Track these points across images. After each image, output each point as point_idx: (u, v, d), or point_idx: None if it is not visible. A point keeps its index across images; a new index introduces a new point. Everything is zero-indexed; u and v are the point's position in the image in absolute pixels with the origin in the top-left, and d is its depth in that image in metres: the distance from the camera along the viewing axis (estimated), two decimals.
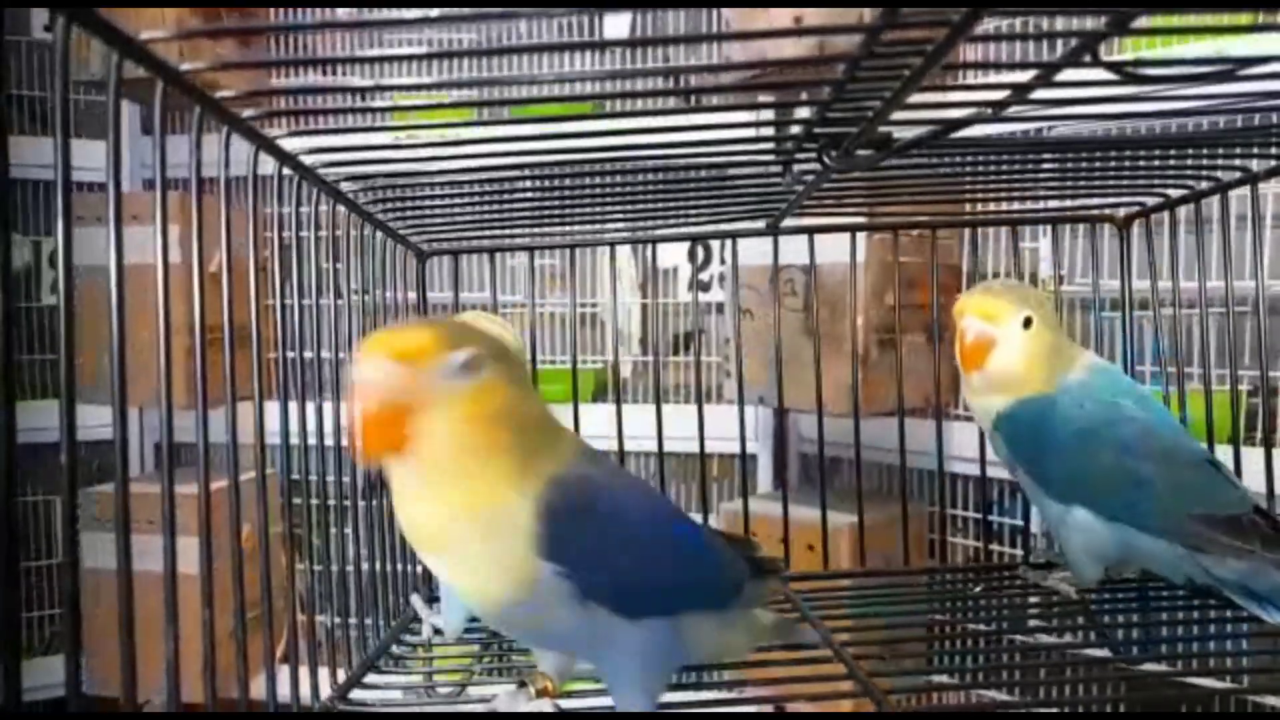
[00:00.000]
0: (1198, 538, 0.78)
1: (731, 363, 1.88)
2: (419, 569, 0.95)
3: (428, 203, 0.86)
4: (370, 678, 0.75)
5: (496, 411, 0.52)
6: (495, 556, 0.54)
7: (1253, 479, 0.88)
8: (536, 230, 1.02)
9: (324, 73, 2.18)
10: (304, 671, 0.71)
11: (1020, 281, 0.84)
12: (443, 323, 0.56)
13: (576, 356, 1.07)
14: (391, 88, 0.58)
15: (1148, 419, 0.82)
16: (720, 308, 2.15)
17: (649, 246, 0.97)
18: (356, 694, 0.73)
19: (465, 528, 0.53)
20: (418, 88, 0.67)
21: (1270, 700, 1.16)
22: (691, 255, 2.11)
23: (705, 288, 2.15)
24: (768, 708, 1.45)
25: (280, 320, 0.73)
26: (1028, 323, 0.82)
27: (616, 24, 2.13)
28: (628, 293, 2.18)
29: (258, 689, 0.62)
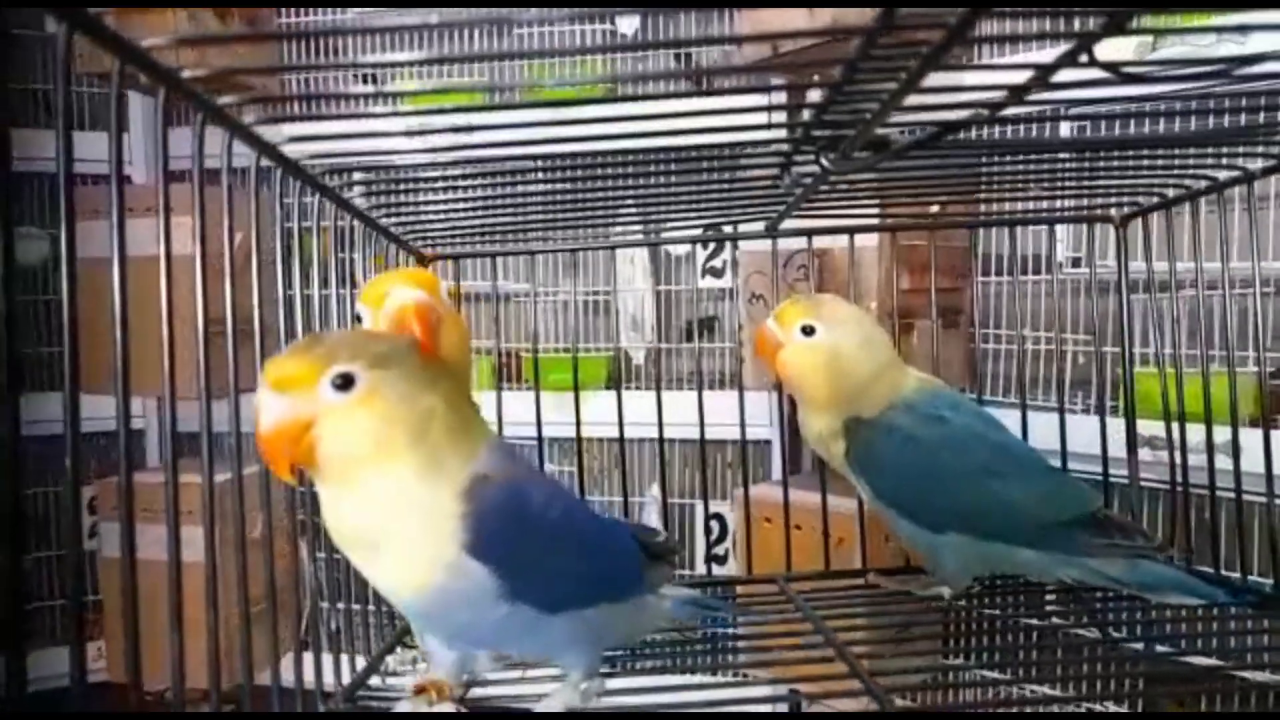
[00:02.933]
0: (1073, 543, 0.79)
1: (745, 349, 1.88)
2: None
3: (428, 206, 0.86)
4: (374, 680, 0.76)
5: (384, 415, 0.55)
6: (424, 551, 0.57)
7: (1252, 461, 0.88)
8: (537, 232, 1.02)
9: (323, 70, 2.17)
10: (308, 663, 0.71)
11: (841, 300, 0.86)
12: (319, 343, 0.56)
13: (578, 345, 1.08)
14: (399, 93, 0.58)
15: (997, 435, 0.84)
16: (733, 294, 2.13)
17: (630, 219, 0.97)
18: (362, 695, 0.73)
19: (393, 526, 0.56)
20: (421, 93, 0.68)
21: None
22: (703, 242, 2.10)
23: (718, 274, 2.14)
24: (782, 707, 1.44)
25: (288, 313, 0.73)
26: (808, 330, 0.82)
27: (628, 22, 2.13)
28: (641, 279, 2.18)
29: (265, 676, 0.63)
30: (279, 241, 0.73)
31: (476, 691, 0.75)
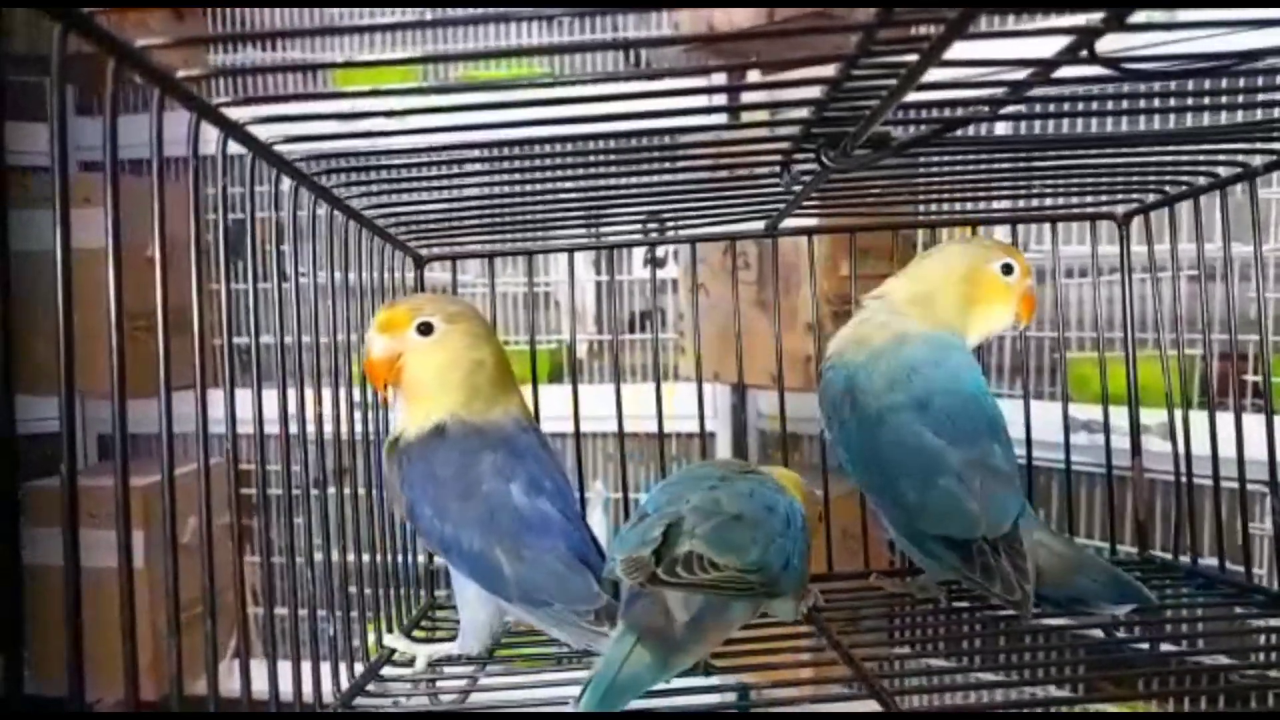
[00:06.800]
0: (946, 565, 0.76)
1: (688, 339, 1.87)
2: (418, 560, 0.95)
3: (425, 206, 0.86)
4: (373, 685, 0.75)
5: (450, 356, 0.75)
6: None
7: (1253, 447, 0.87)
8: (534, 232, 1.01)
9: (270, 47, 2.13)
10: (307, 670, 0.71)
11: None
12: (411, 299, 0.80)
13: (535, 337, 1.05)
14: (388, 92, 0.57)
15: (916, 419, 0.78)
16: (676, 285, 2.12)
17: (601, 218, 0.96)
18: (360, 700, 0.72)
19: None
20: (398, 93, 0.67)
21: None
22: (645, 229, 2.07)
23: (661, 264, 2.10)
24: (730, 696, 1.43)
25: (280, 306, 0.72)
26: None
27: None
28: (582, 270, 2.15)
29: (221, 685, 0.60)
30: (272, 235, 0.72)
31: (477, 698, 0.75)
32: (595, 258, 2.12)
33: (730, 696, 0.70)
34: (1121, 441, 0.99)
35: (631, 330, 2.22)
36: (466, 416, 0.75)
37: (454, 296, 0.94)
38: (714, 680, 0.73)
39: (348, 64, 1.57)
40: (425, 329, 0.75)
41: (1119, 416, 0.99)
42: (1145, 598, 0.76)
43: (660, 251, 2.09)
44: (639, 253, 2.12)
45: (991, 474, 0.76)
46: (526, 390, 0.85)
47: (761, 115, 0.69)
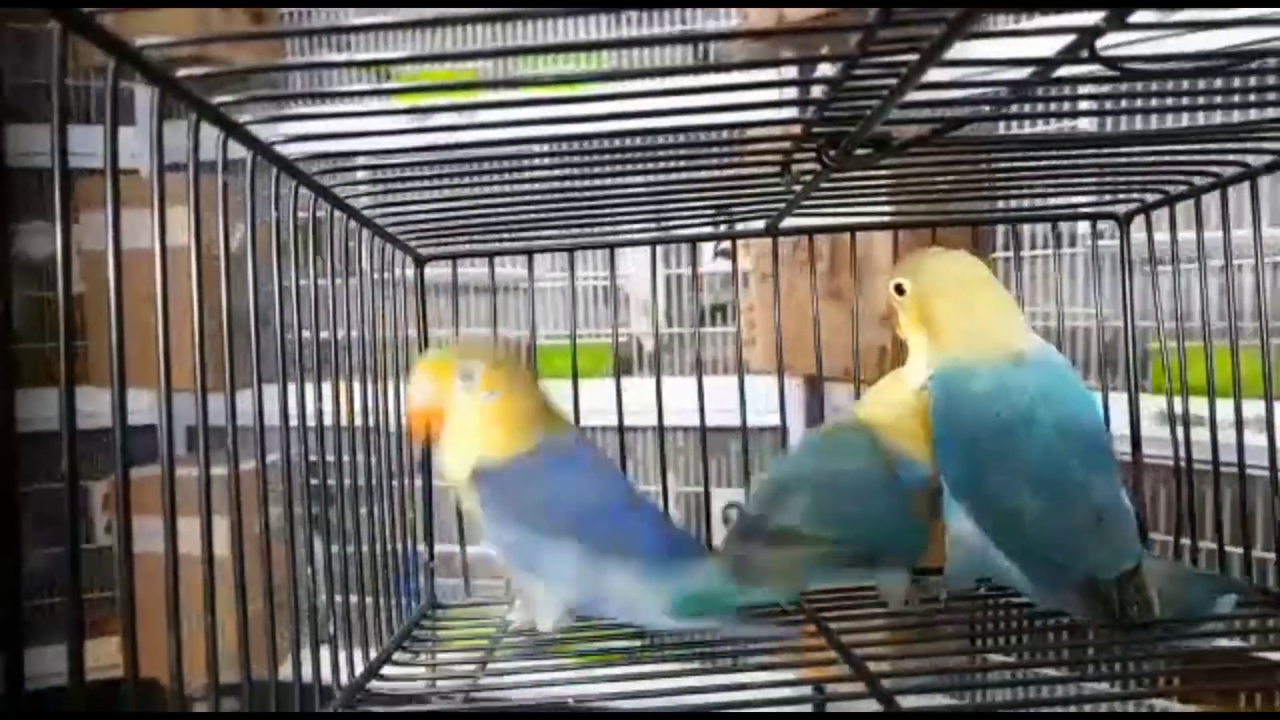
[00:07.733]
0: (1048, 592, 0.75)
1: (758, 330, 1.86)
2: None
3: (424, 203, 0.85)
4: (374, 684, 0.75)
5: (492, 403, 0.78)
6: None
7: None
8: (536, 228, 1.01)
9: (319, 68, 2.16)
10: (320, 656, 0.71)
11: None
12: (456, 349, 0.83)
13: (575, 333, 1.08)
14: (395, 91, 0.57)
15: (1054, 444, 0.74)
16: (746, 278, 2.05)
17: (602, 218, 0.96)
18: (361, 700, 0.73)
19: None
20: (415, 90, 0.67)
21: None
22: (714, 222, 2.02)
23: (729, 255, 2.08)
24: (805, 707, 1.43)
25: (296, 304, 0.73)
26: (899, 289, 0.83)
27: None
28: (649, 264, 2.12)
29: (286, 671, 0.63)
30: (274, 237, 0.72)
31: (477, 697, 0.75)
32: (664, 252, 2.10)
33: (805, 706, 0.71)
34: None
35: (702, 324, 2.19)
36: (549, 436, 0.81)
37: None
38: (788, 691, 0.73)
39: (349, 64, 1.56)
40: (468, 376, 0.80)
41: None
42: (1243, 589, 0.77)
43: (728, 244, 2.05)
44: (708, 247, 2.04)
45: (1121, 506, 0.75)
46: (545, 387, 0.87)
47: (760, 115, 0.69)
